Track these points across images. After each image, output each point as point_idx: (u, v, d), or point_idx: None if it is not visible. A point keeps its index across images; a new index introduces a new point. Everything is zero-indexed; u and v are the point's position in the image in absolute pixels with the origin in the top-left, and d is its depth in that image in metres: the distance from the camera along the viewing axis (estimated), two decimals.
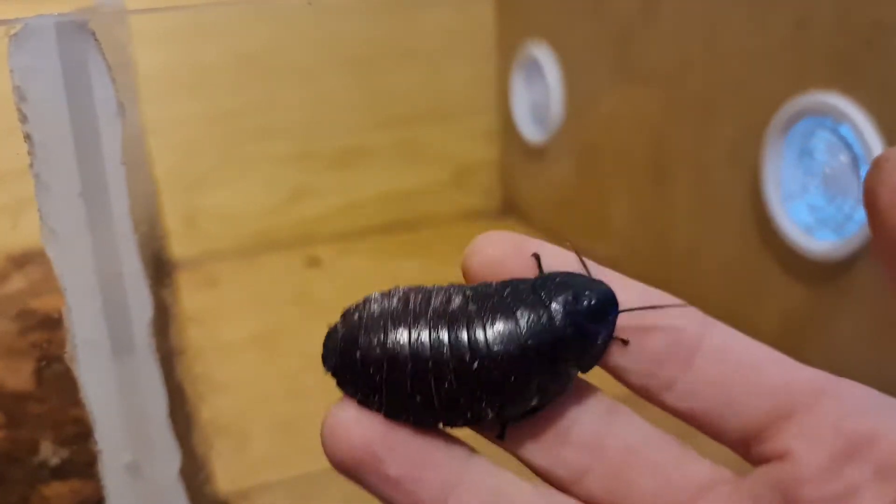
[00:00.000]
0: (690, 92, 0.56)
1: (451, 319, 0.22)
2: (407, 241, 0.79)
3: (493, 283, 0.24)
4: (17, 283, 0.62)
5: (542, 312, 0.22)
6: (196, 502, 0.39)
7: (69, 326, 0.23)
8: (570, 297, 0.23)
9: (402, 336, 0.22)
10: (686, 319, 0.23)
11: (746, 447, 0.23)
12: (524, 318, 0.22)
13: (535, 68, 0.74)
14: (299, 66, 0.76)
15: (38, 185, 0.22)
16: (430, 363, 0.22)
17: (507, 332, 0.22)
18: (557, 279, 0.23)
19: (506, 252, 0.24)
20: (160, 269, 0.73)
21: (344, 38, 0.77)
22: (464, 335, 0.22)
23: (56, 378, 0.46)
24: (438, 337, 0.22)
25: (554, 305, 0.22)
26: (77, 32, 0.21)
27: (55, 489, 0.35)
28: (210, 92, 0.74)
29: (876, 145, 0.42)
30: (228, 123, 0.75)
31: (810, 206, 0.47)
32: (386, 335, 0.22)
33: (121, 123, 0.24)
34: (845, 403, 0.22)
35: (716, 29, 0.53)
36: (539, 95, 0.75)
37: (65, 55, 0.21)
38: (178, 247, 0.76)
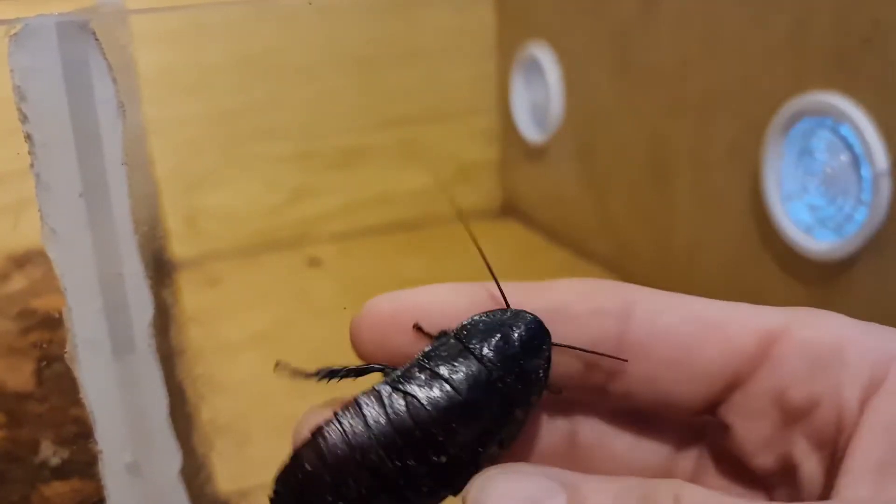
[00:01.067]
0: (690, 92, 0.56)
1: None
2: (407, 240, 0.79)
3: (416, 360, 0.23)
4: (17, 282, 0.62)
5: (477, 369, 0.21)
6: (196, 502, 0.39)
7: (70, 326, 0.23)
8: (499, 342, 0.22)
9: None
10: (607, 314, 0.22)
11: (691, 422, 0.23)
12: (465, 385, 0.21)
13: (535, 68, 0.74)
14: (300, 67, 0.76)
15: (39, 185, 0.22)
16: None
17: (452, 405, 0.21)
18: (480, 325, 0.22)
19: (385, 331, 0.24)
20: (161, 269, 0.73)
21: (345, 38, 0.76)
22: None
23: (56, 378, 0.46)
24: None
25: (486, 354, 0.22)
26: (78, 32, 0.21)
27: (55, 489, 0.35)
28: (211, 92, 0.73)
29: (876, 144, 0.42)
30: (229, 123, 0.75)
31: (810, 206, 0.47)
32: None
33: (122, 124, 0.24)
34: (783, 371, 0.21)
35: (715, 29, 0.53)
36: (539, 95, 0.74)
37: (66, 55, 0.21)
38: (179, 247, 0.76)
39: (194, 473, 0.42)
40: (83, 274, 0.23)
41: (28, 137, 0.22)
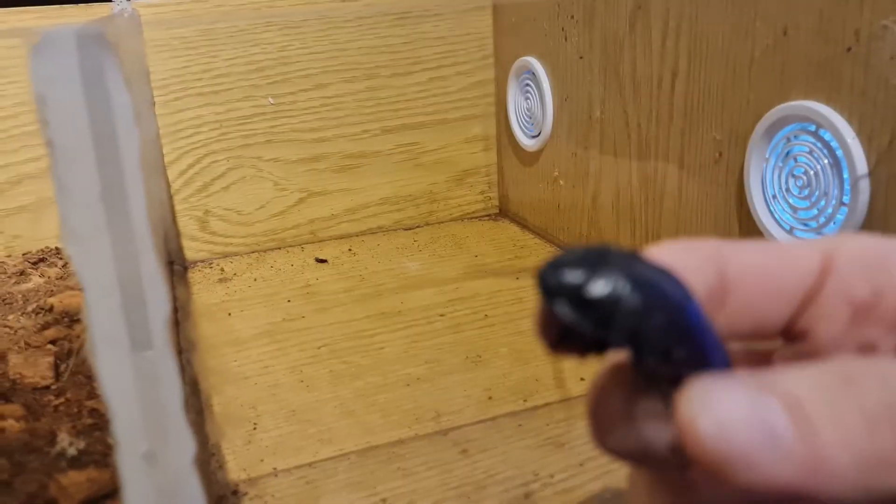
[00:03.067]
0: (677, 99, 0.56)
1: None
2: (408, 240, 0.78)
3: None
4: (33, 280, 0.62)
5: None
6: (208, 489, 0.39)
7: (88, 323, 0.23)
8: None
9: None
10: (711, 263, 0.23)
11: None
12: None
13: (529, 78, 0.74)
14: (307, 75, 0.76)
15: (59, 188, 0.22)
16: None
17: None
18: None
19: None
20: (175, 268, 0.73)
21: (350, 48, 0.76)
22: None
23: (73, 372, 0.46)
24: None
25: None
26: (95, 42, 0.21)
27: (72, 478, 0.35)
28: (223, 99, 0.73)
29: (856, 149, 0.42)
30: (240, 129, 0.75)
31: (793, 207, 0.47)
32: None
33: (138, 129, 0.23)
34: (846, 276, 0.23)
35: (701, 41, 0.53)
36: (533, 103, 0.74)
37: (84, 64, 0.21)
38: (192, 246, 0.75)
39: (206, 461, 0.42)
40: (101, 272, 0.23)
41: (49, 142, 0.22)
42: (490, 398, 0.49)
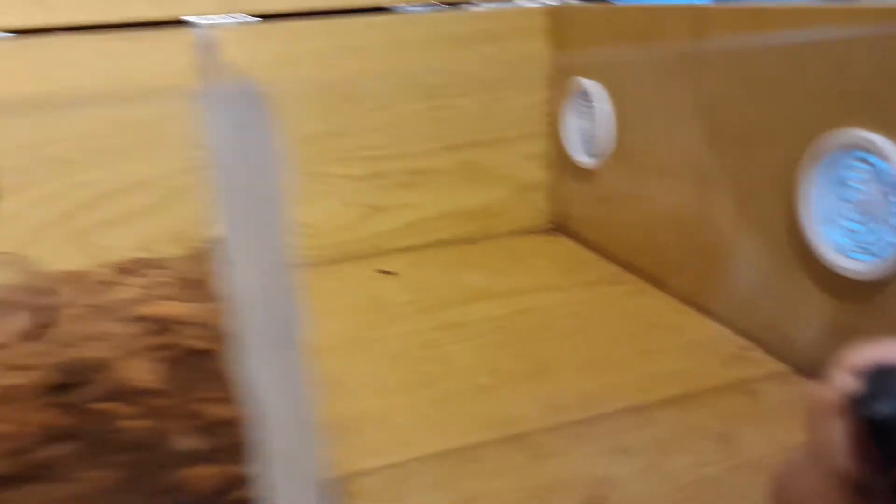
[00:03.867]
0: (732, 125, 0.58)
1: None
2: (468, 254, 0.81)
3: None
4: (126, 290, 0.66)
5: None
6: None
7: (236, 328, 0.26)
8: None
9: None
10: None
11: None
12: None
13: (585, 98, 0.77)
14: (373, 95, 0.79)
15: (212, 201, 0.25)
16: None
17: None
18: None
19: None
20: None
21: (414, 69, 0.79)
22: None
23: (175, 377, 0.50)
24: None
25: None
26: (253, 98, 0.24)
27: (197, 472, 0.38)
28: (296, 118, 0.77)
29: None
30: (310, 146, 0.78)
31: (845, 230, 0.49)
32: None
33: (278, 162, 0.27)
34: None
35: (757, 70, 0.55)
36: (589, 123, 0.77)
37: (243, 116, 0.24)
38: None
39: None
40: (243, 282, 0.26)
41: (213, 182, 0.25)
42: (557, 405, 0.51)
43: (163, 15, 0.73)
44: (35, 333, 0.57)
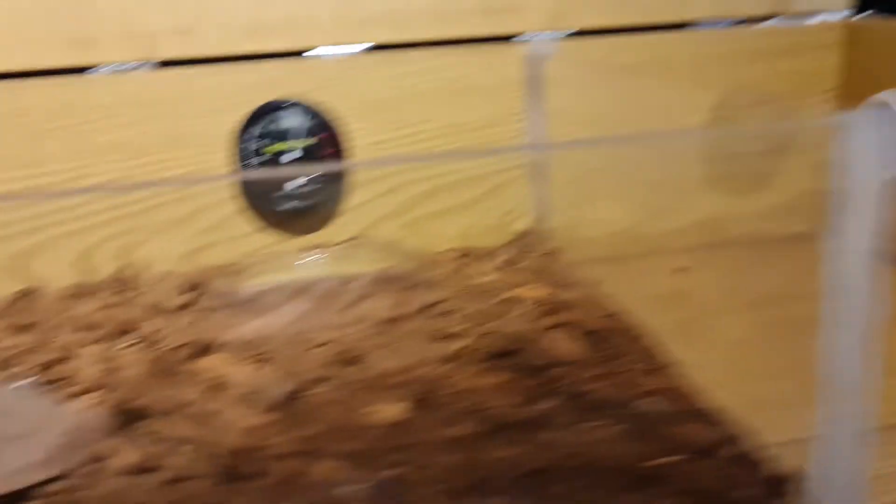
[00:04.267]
0: None
1: None
2: (756, 253, 0.86)
3: None
4: (492, 276, 0.74)
5: None
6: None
7: (823, 315, 0.33)
8: None
9: None
10: None
11: None
12: None
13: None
14: (665, 105, 0.85)
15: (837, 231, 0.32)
16: None
17: None
18: None
19: None
20: None
21: (705, 84, 0.85)
22: None
23: (601, 351, 0.56)
24: None
25: None
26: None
27: (690, 429, 0.44)
28: (601, 130, 0.84)
29: None
30: (608, 155, 0.85)
31: None
32: None
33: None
34: None
35: None
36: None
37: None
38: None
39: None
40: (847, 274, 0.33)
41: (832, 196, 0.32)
42: None
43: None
44: (431, 308, 0.65)
